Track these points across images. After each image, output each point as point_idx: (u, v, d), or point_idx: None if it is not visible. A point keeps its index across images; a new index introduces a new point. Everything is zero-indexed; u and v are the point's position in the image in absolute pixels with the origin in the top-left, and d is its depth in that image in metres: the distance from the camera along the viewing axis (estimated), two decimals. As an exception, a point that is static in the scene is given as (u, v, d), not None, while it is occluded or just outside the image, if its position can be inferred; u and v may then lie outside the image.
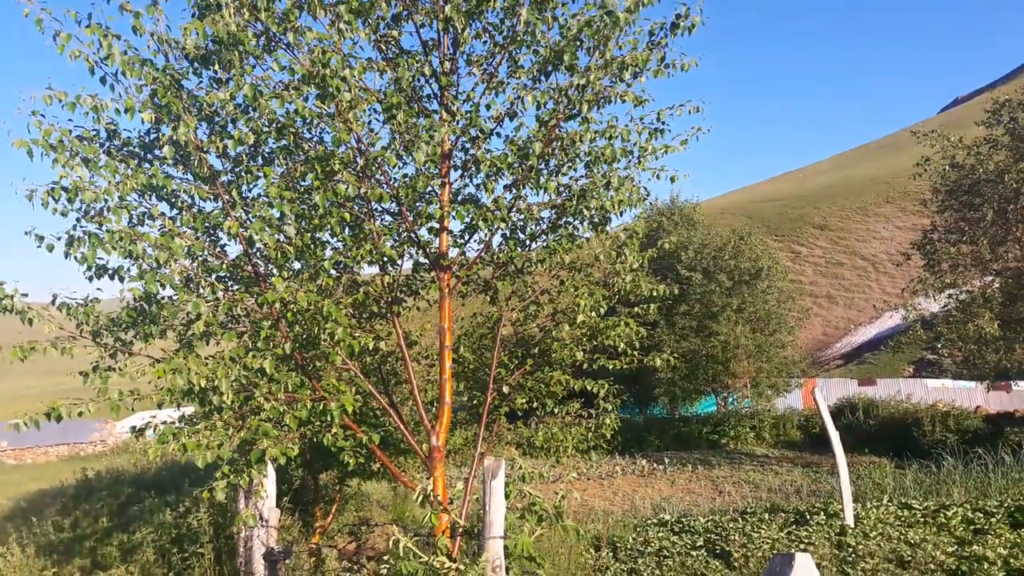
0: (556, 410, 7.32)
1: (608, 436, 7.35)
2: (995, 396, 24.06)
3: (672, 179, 6.73)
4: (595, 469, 19.34)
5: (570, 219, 6.76)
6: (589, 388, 7.03)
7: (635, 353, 7.07)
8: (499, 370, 6.92)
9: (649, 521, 11.40)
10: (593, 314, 6.69)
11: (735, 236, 25.88)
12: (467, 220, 6.40)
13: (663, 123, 6.49)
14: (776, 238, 64.79)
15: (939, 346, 16.25)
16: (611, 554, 9.91)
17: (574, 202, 6.37)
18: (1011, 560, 7.71)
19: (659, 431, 23.39)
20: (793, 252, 64.03)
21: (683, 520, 11.01)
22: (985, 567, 7.56)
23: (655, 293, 7.15)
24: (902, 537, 8.98)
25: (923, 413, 18.33)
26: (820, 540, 9.09)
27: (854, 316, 56.12)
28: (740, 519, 10.69)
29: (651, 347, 25.25)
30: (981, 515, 9.51)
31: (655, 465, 19.10)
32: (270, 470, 5.03)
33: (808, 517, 10.27)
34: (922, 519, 9.73)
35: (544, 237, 6.98)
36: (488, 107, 6.53)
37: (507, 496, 4.73)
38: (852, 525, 9.62)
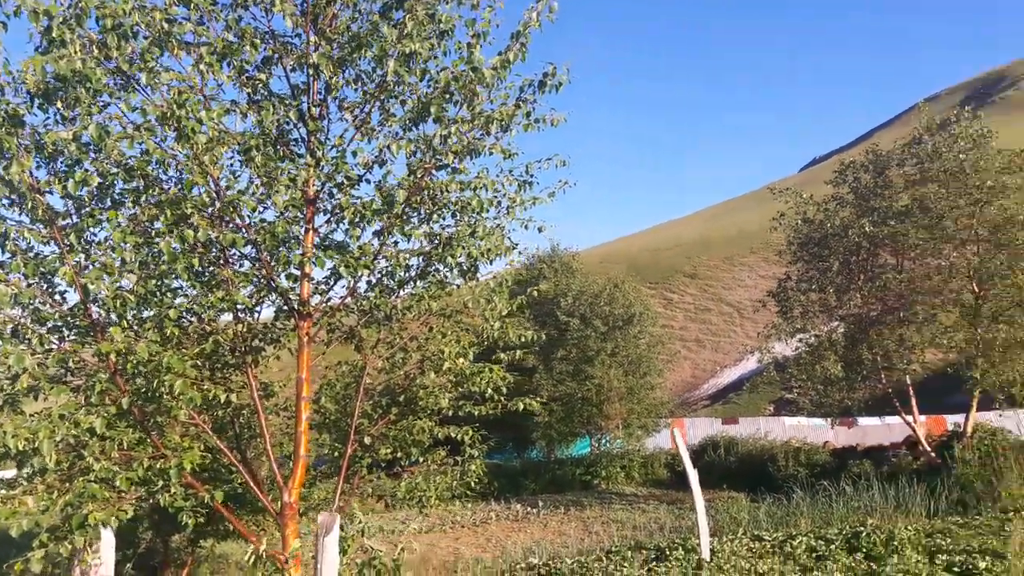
0: (421, 459, 7.28)
1: (473, 483, 7.38)
2: (842, 432, 25.82)
3: (540, 229, 6.99)
4: (470, 516, 19.28)
5: (439, 266, 6.84)
6: (453, 435, 7.05)
7: (501, 398, 7.17)
8: (362, 420, 6.83)
9: (518, 566, 11.46)
10: (462, 361, 6.75)
11: (610, 283, 26.96)
12: (329, 266, 6.35)
13: (531, 176, 6.75)
14: (650, 286, 67.49)
15: (795, 386, 17.37)
16: (480, 603, 9.88)
17: (441, 250, 6.47)
18: (847, 585, 8.27)
19: (535, 475, 23.61)
20: (666, 299, 66.93)
21: (550, 563, 11.14)
22: (825, 593, 8.06)
23: (524, 339, 7.33)
24: (752, 568, 9.44)
25: (778, 449, 19.47)
26: (677, 575, 9.43)
27: (720, 359, 58.98)
28: (605, 558, 10.92)
29: (529, 391, 25.60)
30: (823, 543, 10.14)
31: (529, 509, 19.21)
32: (107, 534, 4.70)
33: (668, 553, 10.62)
34: (771, 550, 10.28)
35: (413, 284, 7.01)
36: (355, 154, 6.56)
37: (345, 551, 4.63)
38: (708, 559, 10.03)
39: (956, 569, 8.31)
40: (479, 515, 19.43)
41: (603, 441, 26.19)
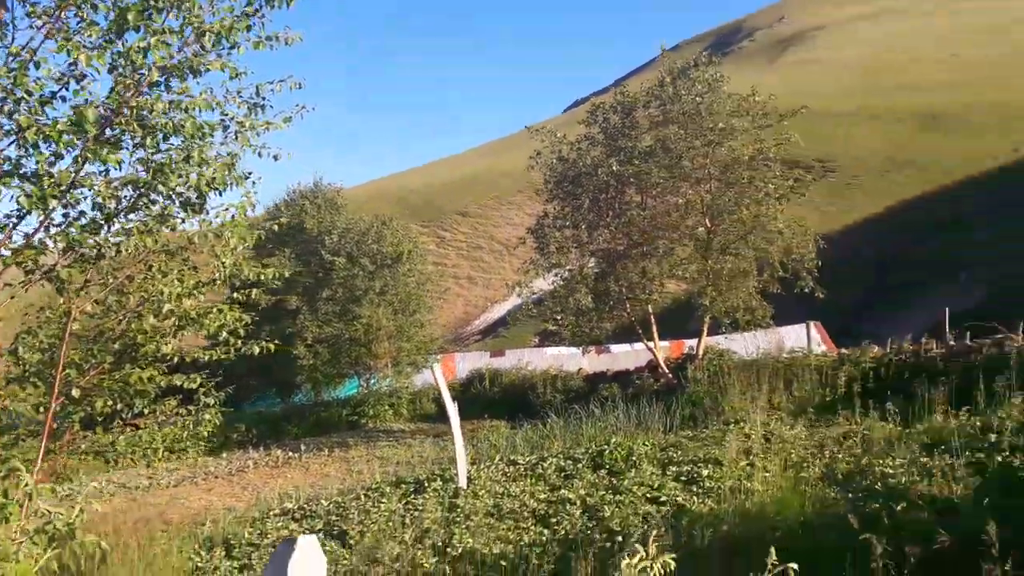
0: (147, 411, 6.67)
1: (206, 433, 6.93)
2: (597, 359, 27.88)
3: (275, 157, 6.52)
4: (225, 465, 18.44)
5: (157, 197, 6.16)
6: (179, 383, 6.50)
7: (238, 341, 6.72)
8: (69, 371, 6.05)
9: (271, 512, 11.12)
10: (188, 302, 6.18)
11: (377, 221, 26.53)
12: (7, 196, 5.45)
13: (263, 98, 6.26)
14: (423, 224, 67.74)
15: (552, 318, 18.28)
16: (224, 553, 9.46)
17: (152, 178, 5.81)
18: (587, 498, 8.89)
19: (299, 418, 23.07)
20: (439, 237, 67.64)
21: (306, 506, 10.94)
22: (567, 507, 8.62)
23: (262, 277, 6.90)
24: (506, 491, 9.88)
25: (537, 378, 20.55)
26: (433, 505, 9.64)
27: (491, 295, 61.02)
28: (363, 496, 10.91)
29: (293, 334, 24.86)
30: (571, 462, 10.79)
31: (291, 454, 18.74)
32: None
33: (427, 485, 10.81)
34: (525, 472, 10.81)
35: (125, 217, 6.25)
36: (37, 65, 5.61)
37: (7, 519, 4.10)
38: (465, 487, 10.35)
39: (683, 478, 9.16)
40: (236, 464, 18.64)
41: (372, 380, 26.14)
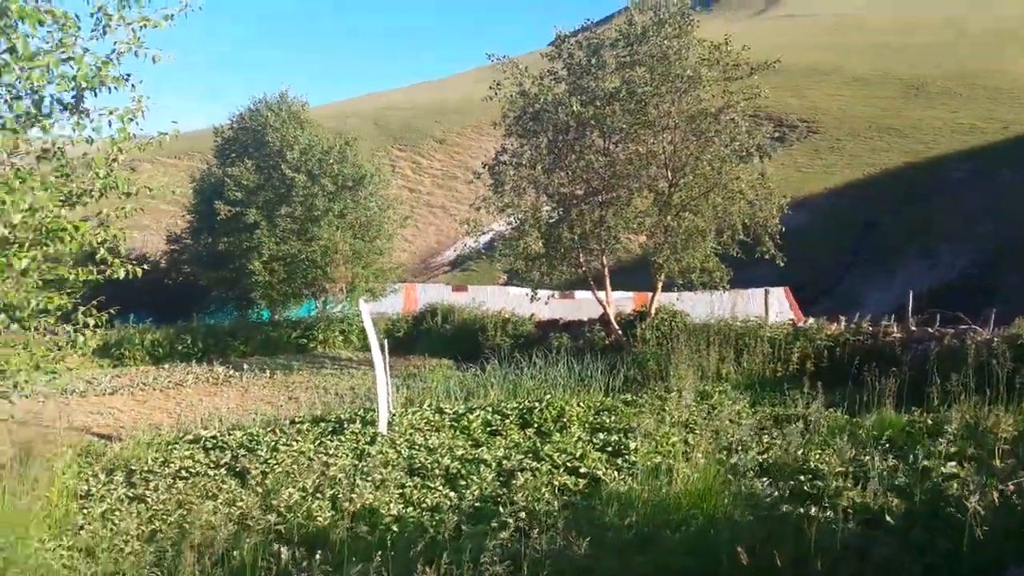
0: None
1: (84, 353, 6.39)
2: (558, 303, 27.21)
3: (155, 59, 5.71)
4: (166, 378, 17.95)
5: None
6: (49, 305, 5.80)
7: (116, 260, 6.02)
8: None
9: (186, 437, 10.57)
10: (40, 215, 5.42)
11: (340, 140, 25.40)
12: None
13: None
14: (400, 148, 66.03)
15: (499, 260, 17.36)
16: (124, 479, 8.93)
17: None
18: (504, 461, 8.36)
19: (246, 336, 22.41)
20: (415, 163, 66.01)
21: (219, 435, 10.39)
22: (480, 469, 8.08)
23: (151, 189, 6.20)
24: (425, 443, 9.33)
25: (489, 319, 19.87)
26: (345, 451, 9.10)
27: (464, 227, 59.91)
28: (279, 431, 10.36)
29: (251, 248, 23.99)
30: (499, 417, 10.25)
31: (232, 372, 18.20)
32: None
33: (346, 426, 10.26)
34: (450, 423, 10.27)
35: None
36: None
37: None
38: (384, 433, 9.81)
39: (610, 449, 8.52)
40: (176, 376, 18.19)
41: (328, 304, 25.51)
